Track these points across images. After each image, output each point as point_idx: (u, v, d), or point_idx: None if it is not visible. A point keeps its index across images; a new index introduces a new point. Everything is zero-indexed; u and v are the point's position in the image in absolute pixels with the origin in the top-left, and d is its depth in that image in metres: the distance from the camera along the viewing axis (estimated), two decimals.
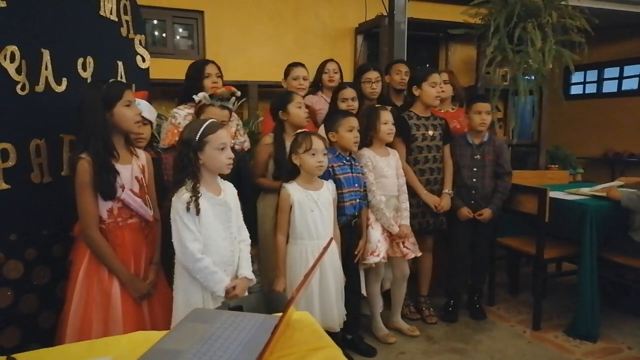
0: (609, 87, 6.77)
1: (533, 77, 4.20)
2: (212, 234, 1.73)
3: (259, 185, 2.49)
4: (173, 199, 1.71)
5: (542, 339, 2.68)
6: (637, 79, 6.33)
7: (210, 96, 2.22)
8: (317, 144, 2.15)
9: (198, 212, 1.68)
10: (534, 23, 3.72)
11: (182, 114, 2.46)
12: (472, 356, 2.50)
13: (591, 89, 6.98)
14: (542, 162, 4.79)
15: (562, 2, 3.78)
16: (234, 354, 0.94)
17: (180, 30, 3.98)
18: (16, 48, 1.76)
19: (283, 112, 2.45)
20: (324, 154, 2.18)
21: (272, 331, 0.77)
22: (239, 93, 2.31)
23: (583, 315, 2.65)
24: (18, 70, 1.77)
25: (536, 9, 3.75)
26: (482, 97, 2.94)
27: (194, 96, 2.24)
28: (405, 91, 3.09)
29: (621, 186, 2.82)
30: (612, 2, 4.83)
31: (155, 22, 3.85)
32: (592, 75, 6.92)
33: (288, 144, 2.35)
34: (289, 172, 2.22)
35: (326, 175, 2.29)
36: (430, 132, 2.80)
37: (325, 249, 1.09)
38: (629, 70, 6.42)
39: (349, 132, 2.39)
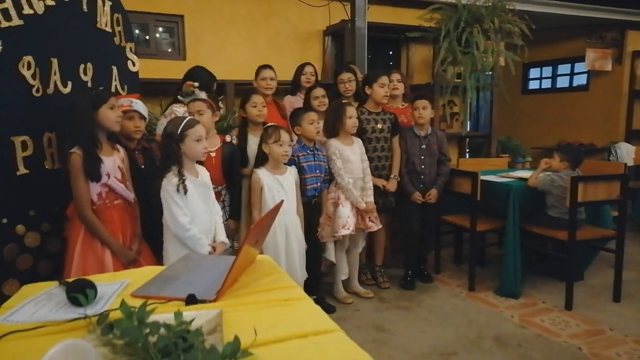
0: (562, 82, 7.34)
1: (491, 73, 4.70)
2: (196, 209, 2.16)
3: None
4: (163, 182, 2.11)
5: (474, 298, 3.20)
6: (586, 75, 6.91)
7: (182, 95, 2.78)
8: (284, 136, 2.60)
9: (186, 192, 2.10)
10: (479, 28, 4.22)
11: (181, 111, 2.84)
12: (414, 311, 3.00)
13: (547, 84, 7.54)
14: (494, 152, 5.28)
15: (502, 12, 4.27)
16: (215, 277, 1.39)
17: (162, 33, 4.34)
18: (31, 58, 2.14)
19: (242, 110, 2.90)
20: (289, 145, 2.63)
21: (235, 258, 1.22)
22: (196, 84, 2.78)
23: (508, 278, 3.16)
24: (33, 76, 2.15)
25: (480, 15, 4.25)
26: (420, 96, 3.38)
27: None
28: (353, 95, 3.43)
29: (547, 169, 3.27)
30: (550, 6, 5.37)
31: (139, 25, 4.21)
32: (548, 71, 7.48)
33: (250, 135, 2.84)
34: (259, 158, 2.66)
35: (291, 163, 2.74)
36: (379, 126, 3.26)
37: (277, 208, 1.54)
38: (578, 67, 6.98)
39: (310, 124, 2.83)
